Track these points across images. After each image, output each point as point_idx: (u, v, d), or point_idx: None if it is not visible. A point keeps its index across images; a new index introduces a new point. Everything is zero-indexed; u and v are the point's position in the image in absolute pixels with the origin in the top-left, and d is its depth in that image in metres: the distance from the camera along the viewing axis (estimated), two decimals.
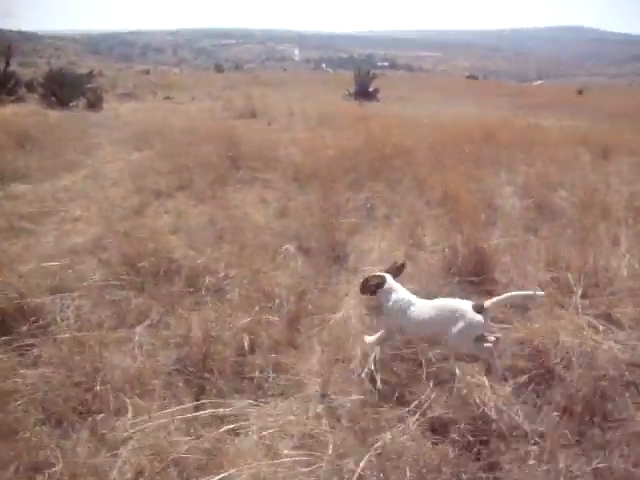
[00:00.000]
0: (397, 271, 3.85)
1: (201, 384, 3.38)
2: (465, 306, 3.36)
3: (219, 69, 56.85)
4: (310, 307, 4.25)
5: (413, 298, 3.64)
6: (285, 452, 2.75)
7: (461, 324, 3.30)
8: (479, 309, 3.32)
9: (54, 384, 3.17)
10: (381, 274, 3.80)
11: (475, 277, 4.51)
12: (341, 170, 8.59)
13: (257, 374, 3.47)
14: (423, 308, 3.53)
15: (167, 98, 24.66)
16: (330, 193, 7.47)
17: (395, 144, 10.53)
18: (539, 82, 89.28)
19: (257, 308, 4.06)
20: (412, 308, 3.55)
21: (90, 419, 2.97)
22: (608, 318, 4.17)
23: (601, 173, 9.96)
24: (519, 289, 4.24)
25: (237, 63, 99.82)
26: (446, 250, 5.11)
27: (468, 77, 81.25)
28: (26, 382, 3.19)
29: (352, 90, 28.23)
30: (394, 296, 3.64)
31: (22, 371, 3.32)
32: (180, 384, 3.37)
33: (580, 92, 41.40)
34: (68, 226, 6.46)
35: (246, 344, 3.66)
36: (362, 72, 29.93)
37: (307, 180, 8.41)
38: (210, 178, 8.34)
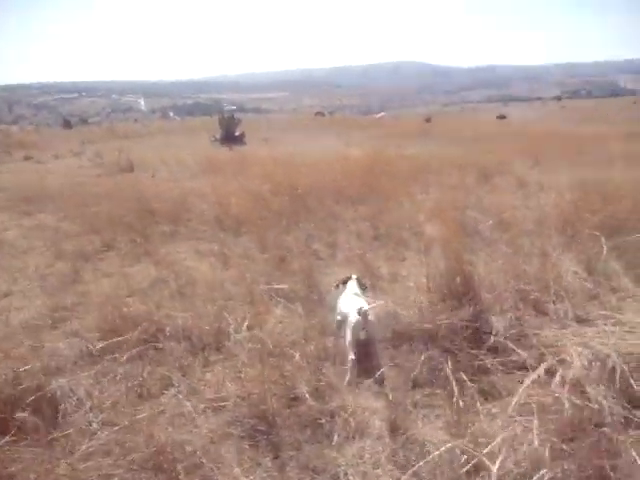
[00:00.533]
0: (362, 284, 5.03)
1: (273, 440, 3.27)
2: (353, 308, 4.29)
3: (67, 125, 54.26)
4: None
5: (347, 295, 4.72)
6: None
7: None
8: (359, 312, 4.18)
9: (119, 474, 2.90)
10: (351, 275, 5.09)
11: (464, 296, 4.63)
12: (261, 215, 8.59)
13: (324, 420, 3.42)
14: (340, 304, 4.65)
15: (28, 158, 23.19)
16: (265, 239, 7.49)
17: (296, 184, 10.67)
18: (381, 114, 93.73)
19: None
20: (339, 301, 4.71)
21: None
22: (581, 320, 4.54)
23: (492, 193, 10.74)
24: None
25: (82, 117, 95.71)
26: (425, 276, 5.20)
27: (316, 114, 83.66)
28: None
29: (218, 135, 28.17)
30: (344, 291, 4.83)
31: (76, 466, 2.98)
32: (246, 445, 3.24)
33: (428, 120, 44.02)
34: (2, 303, 5.93)
35: (305, 392, 3.57)
36: (227, 117, 30.05)
37: (233, 228, 8.35)
38: (132, 236, 8.01)
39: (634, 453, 2.72)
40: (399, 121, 51.17)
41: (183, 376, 3.97)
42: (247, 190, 10.54)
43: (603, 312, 4.57)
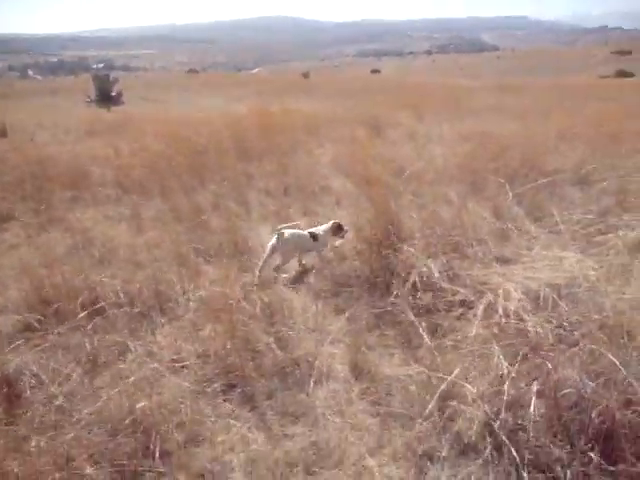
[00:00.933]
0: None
1: (246, 393, 3.38)
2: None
3: None
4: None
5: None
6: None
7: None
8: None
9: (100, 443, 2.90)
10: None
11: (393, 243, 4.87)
12: (165, 176, 8.39)
13: (290, 368, 3.60)
14: None
15: None
16: (175, 200, 7.36)
17: (192, 143, 10.51)
18: (256, 70, 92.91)
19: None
20: None
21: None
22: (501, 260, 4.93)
23: (387, 145, 11.11)
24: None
25: None
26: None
27: (189, 71, 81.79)
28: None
29: (92, 96, 26.77)
30: None
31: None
32: (221, 400, 3.33)
33: (306, 75, 44.11)
34: None
35: (272, 342, 3.68)
36: (101, 76, 28.60)
37: (139, 191, 8.10)
38: (31, 204, 7.59)
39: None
40: (277, 77, 50.99)
41: (137, 341, 3.92)
42: (143, 151, 10.22)
43: (517, 251, 4.99)
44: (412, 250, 4.61)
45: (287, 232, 5.19)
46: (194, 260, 5.35)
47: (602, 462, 2.55)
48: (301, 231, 5.44)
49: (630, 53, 67.14)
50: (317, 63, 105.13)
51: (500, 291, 3.77)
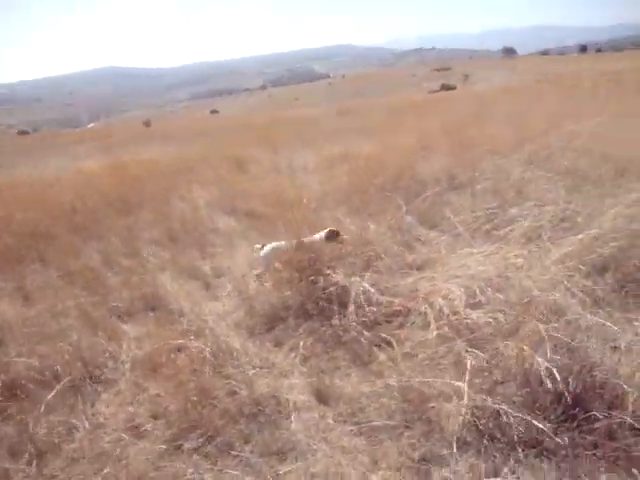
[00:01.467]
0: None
1: (221, 443, 3.23)
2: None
3: None
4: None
5: None
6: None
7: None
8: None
9: None
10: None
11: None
12: (37, 241, 7.89)
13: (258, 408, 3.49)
14: None
15: None
16: (59, 264, 6.95)
17: (58, 205, 10.02)
18: (91, 124, 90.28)
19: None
20: None
21: None
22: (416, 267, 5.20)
23: (255, 180, 11.21)
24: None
25: None
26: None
27: (19, 133, 77.84)
28: None
29: None
30: None
31: None
32: (198, 457, 3.16)
33: (147, 124, 43.52)
34: None
35: (234, 385, 3.57)
36: None
37: (13, 259, 7.47)
38: None
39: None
40: (117, 129, 49.69)
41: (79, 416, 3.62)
42: (4, 217, 9.54)
43: (428, 257, 5.25)
44: (338, 271, 4.73)
45: (267, 247, 5.65)
46: (109, 321, 5.07)
47: (583, 424, 2.79)
48: (283, 242, 5.58)
49: (449, 69, 72.66)
50: (154, 111, 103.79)
51: (442, 292, 3.95)
